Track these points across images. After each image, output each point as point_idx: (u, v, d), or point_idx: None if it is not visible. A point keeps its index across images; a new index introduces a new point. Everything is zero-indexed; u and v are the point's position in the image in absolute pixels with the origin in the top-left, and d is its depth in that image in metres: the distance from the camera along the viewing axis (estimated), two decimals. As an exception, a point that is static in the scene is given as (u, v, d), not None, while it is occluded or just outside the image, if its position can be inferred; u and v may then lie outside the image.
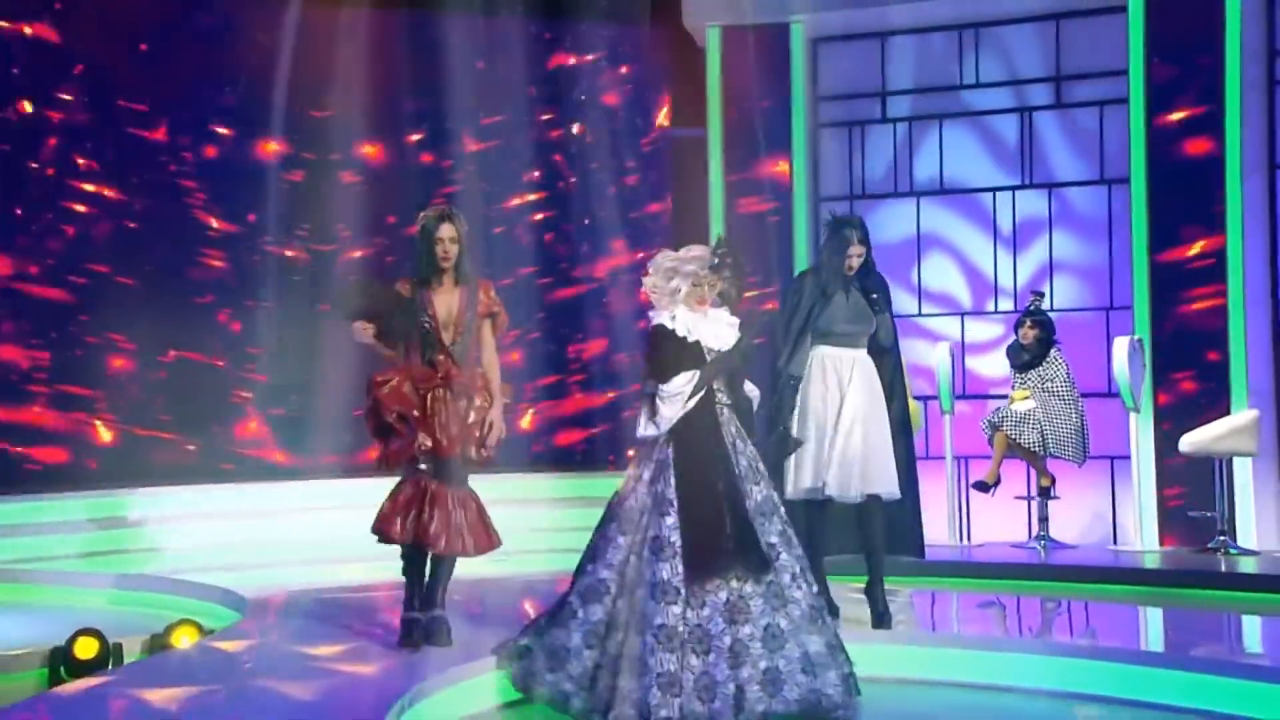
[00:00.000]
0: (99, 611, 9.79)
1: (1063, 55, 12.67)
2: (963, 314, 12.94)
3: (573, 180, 13.68)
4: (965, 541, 12.18)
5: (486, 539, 7.33)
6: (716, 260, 6.64)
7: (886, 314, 7.86)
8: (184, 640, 8.43)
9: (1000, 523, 12.18)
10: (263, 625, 8.43)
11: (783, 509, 6.60)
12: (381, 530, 7.22)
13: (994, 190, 12.86)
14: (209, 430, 12.86)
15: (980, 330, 12.94)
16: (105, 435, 12.60)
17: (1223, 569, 10.64)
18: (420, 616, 7.30)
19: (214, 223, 13.03)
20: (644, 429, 6.56)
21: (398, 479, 7.31)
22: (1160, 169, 11.86)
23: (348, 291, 7.50)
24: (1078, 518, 12.31)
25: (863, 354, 7.76)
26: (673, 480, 6.43)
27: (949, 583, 10.40)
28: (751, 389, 6.87)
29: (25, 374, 12.33)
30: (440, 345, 7.19)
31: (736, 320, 6.75)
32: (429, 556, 7.30)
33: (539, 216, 13.73)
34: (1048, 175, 12.73)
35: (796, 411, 7.68)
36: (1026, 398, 11.49)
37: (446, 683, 6.72)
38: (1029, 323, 11.58)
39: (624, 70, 13.72)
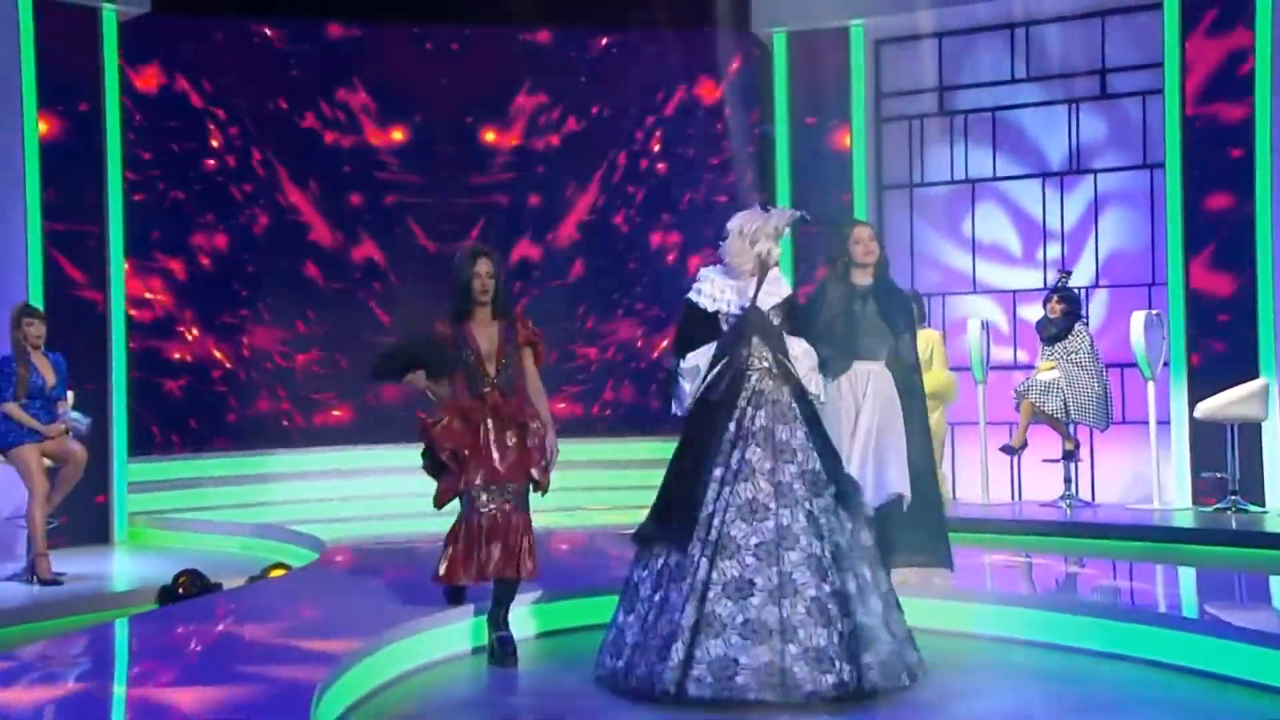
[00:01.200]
0: (231, 554, 11.35)
1: (1107, 49, 13.57)
2: (1014, 292, 13.98)
3: (672, 178, 14.88)
4: (1018, 499, 13.30)
5: (533, 566, 7.26)
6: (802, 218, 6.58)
7: (907, 334, 7.79)
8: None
9: (1052, 483, 13.04)
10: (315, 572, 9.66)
11: (778, 475, 6.33)
12: (447, 580, 7.21)
13: (1043, 175, 13.85)
14: (359, 398, 14.26)
15: (1032, 280, 13.88)
16: (268, 404, 14.26)
17: (1233, 526, 11.36)
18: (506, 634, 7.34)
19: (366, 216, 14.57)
20: (675, 407, 6.57)
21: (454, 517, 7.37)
22: (1194, 151, 12.66)
23: (385, 357, 7.45)
24: (1120, 479, 13.25)
25: (878, 366, 7.68)
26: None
27: (977, 538, 11.19)
28: (797, 344, 6.59)
29: (212, 358, 14.08)
30: (485, 377, 7.22)
31: (784, 282, 6.66)
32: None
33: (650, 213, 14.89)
34: (1092, 162, 13.69)
35: None
36: (1051, 368, 12.48)
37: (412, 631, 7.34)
38: (1056, 299, 12.58)
39: (729, 73, 14.77)
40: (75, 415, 10.29)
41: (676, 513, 6.30)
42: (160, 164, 13.77)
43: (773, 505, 6.20)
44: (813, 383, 6.56)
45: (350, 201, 14.49)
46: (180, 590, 9.52)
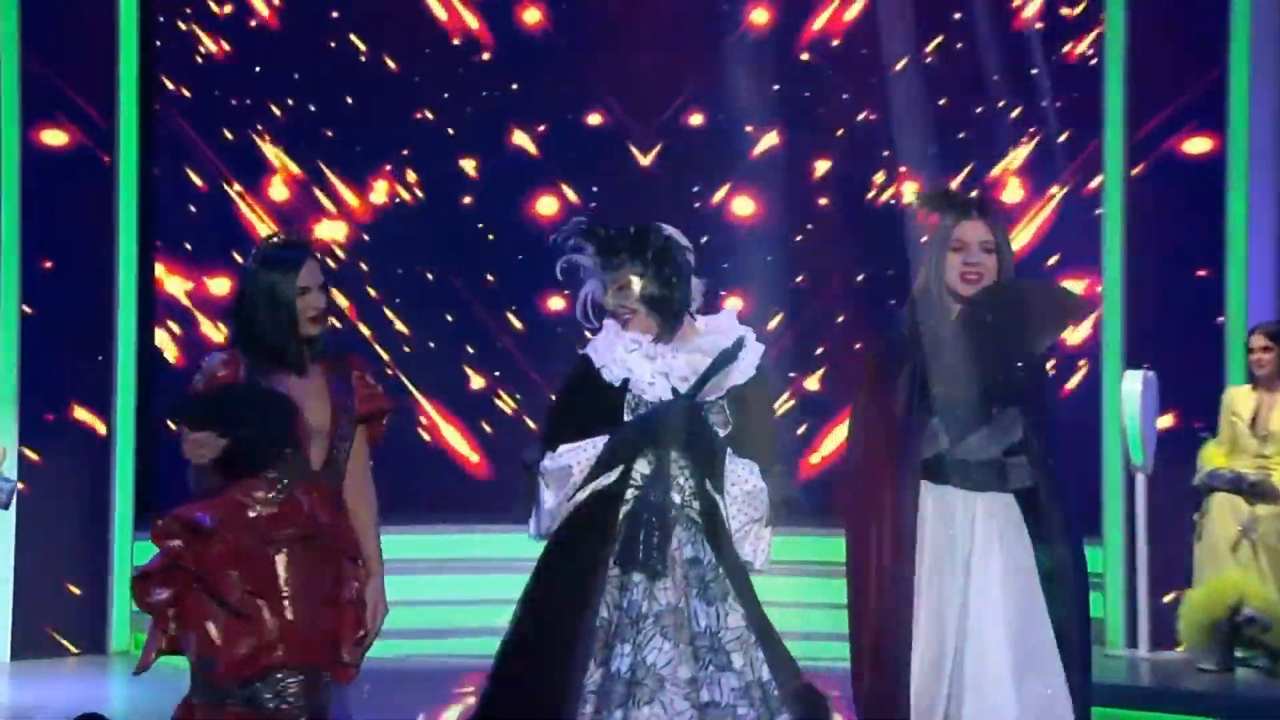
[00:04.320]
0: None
1: None
2: None
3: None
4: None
5: None
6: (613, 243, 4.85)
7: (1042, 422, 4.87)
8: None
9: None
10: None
11: (707, 693, 4.58)
12: None
13: None
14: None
15: None
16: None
17: None
18: None
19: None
20: (531, 524, 4.86)
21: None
22: None
23: (203, 401, 4.87)
24: None
25: (995, 499, 4.84)
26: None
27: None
28: (742, 474, 4.72)
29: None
30: (306, 469, 4.79)
31: (732, 335, 4.80)
32: None
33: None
34: None
35: None
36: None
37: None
38: None
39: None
40: None
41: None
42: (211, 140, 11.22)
43: None
44: (747, 544, 4.79)
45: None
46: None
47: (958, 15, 10.86)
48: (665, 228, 4.87)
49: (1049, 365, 5.19)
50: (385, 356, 11.47)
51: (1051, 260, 10.44)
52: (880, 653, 4.65)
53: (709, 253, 10.91)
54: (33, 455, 9.66)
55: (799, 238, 11.29)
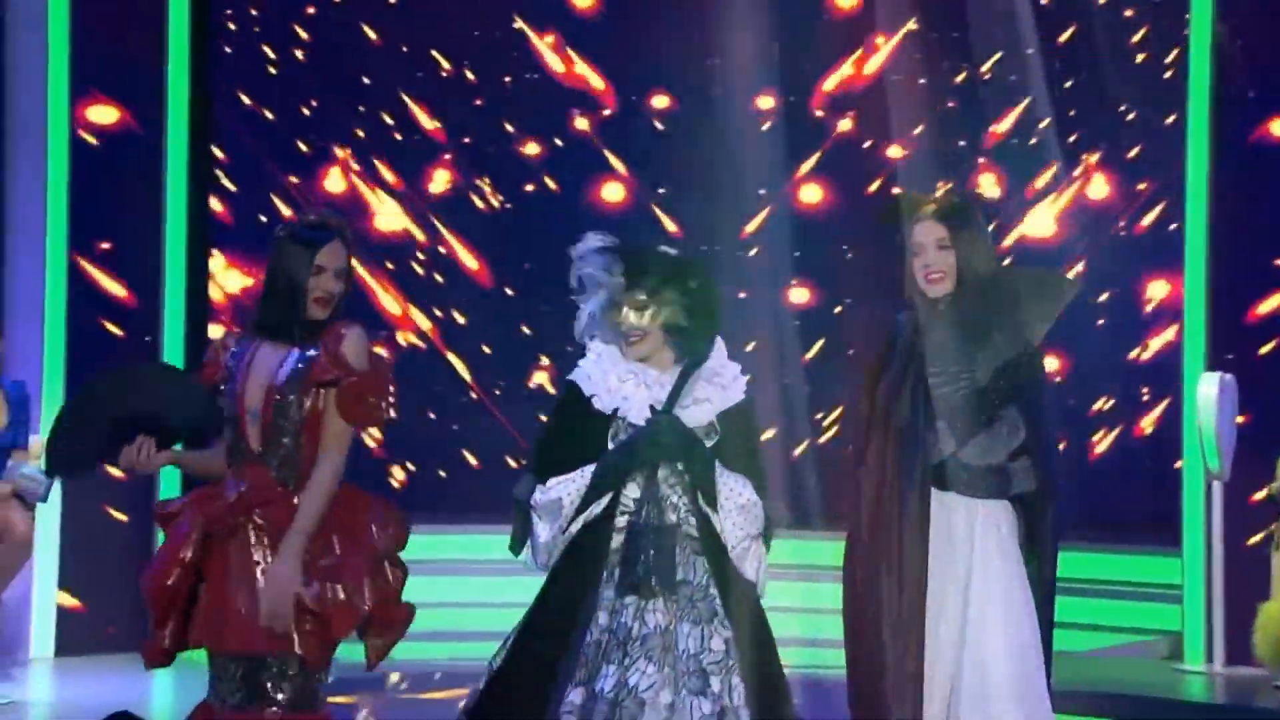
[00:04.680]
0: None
1: None
2: None
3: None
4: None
5: None
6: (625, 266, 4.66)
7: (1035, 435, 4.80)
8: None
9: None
10: None
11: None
12: None
13: None
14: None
15: None
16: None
17: None
18: None
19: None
20: (527, 555, 4.77)
21: None
22: None
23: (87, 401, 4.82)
24: None
25: (995, 506, 4.80)
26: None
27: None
28: (735, 487, 4.58)
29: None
30: (246, 452, 4.71)
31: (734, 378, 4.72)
32: None
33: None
34: None
35: None
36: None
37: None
38: None
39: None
40: (29, 471, 8.55)
41: None
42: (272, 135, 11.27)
43: None
44: (748, 563, 4.68)
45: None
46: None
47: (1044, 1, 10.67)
48: (702, 263, 4.85)
49: (1044, 359, 5.04)
50: (450, 355, 11.42)
51: (1135, 260, 10.29)
52: (887, 665, 4.62)
53: (773, 241, 11.06)
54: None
55: (850, 254, 11.07)
